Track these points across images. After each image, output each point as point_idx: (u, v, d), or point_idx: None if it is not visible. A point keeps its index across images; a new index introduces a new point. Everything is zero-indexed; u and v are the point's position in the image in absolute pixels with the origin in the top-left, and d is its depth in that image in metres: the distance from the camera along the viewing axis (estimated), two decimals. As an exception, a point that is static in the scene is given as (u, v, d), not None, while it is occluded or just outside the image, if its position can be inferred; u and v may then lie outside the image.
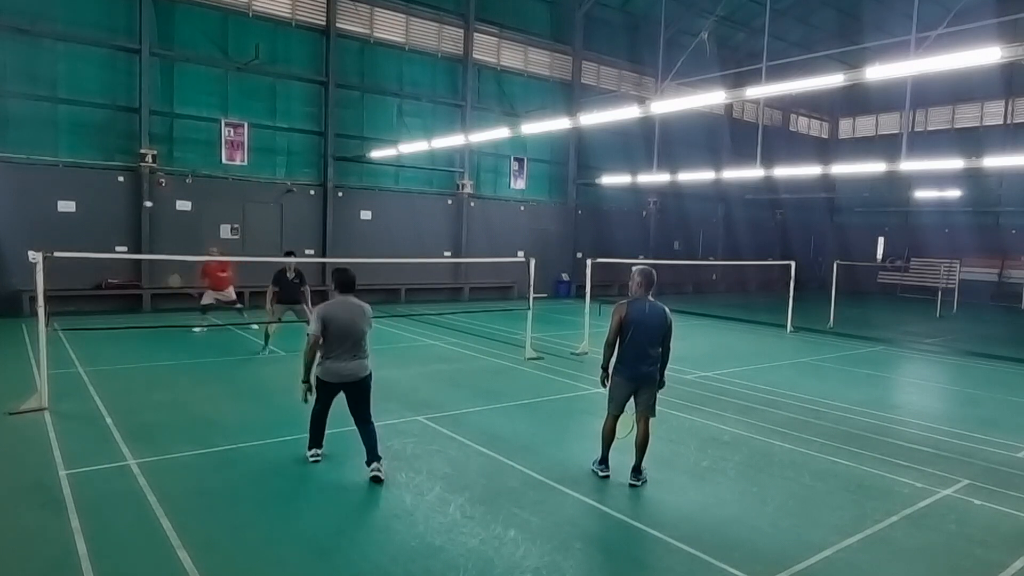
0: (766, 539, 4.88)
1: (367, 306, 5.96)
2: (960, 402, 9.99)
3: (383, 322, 15.62)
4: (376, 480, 5.64)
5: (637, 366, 5.73)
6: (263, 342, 11.45)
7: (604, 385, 5.94)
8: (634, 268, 5.94)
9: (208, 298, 13.34)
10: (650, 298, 5.81)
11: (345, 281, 5.95)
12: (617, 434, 5.92)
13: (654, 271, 5.89)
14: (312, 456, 6.09)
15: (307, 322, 11.30)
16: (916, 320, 20.17)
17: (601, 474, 6.01)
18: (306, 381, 5.76)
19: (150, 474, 5.65)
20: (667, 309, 5.82)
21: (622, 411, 5.92)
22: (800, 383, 10.40)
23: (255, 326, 12.82)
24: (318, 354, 5.74)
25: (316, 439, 6.13)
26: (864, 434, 7.66)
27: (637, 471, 5.84)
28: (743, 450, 6.96)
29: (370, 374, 5.91)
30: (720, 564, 4.45)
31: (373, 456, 5.78)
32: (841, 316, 17.88)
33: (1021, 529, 5.23)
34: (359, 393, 5.87)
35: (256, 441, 6.69)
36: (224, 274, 13.31)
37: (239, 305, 13.87)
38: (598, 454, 6.08)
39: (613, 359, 5.86)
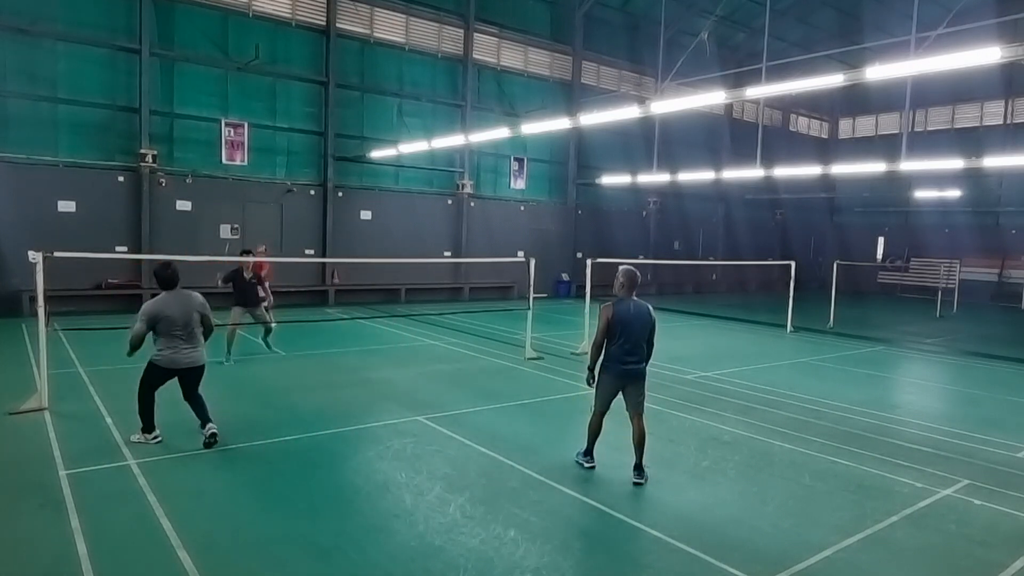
0: (766, 539, 4.88)
1: (198, 296, 6.47)
2: (960, 402, 9.99)
3: (383, 322, 15.63)
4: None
5: (624, 364, 5.88)
6: (226, 351, 10.52)
7: (590, 385, 6.08)
8: (619, 268, 6.07)
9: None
10: (634, 297, 5.96)
11: (166, 277, 6.36)
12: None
13: (637, 272, 6.04)
14: None
15: (267, 323, 11.05)
16: (916, 320, 20.17)
17: (586, 465, 6.20)
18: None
19: (150, 474, 5.65)
20: (650, 307, 6.00)
21: (608, 408, 6.06)
22: (800, 383, 10.40)
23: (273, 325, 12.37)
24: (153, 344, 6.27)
25: None
26: (864, 434, 7.66)
27: (639, 469, 5.89)
28: (743, 450, 6.96)
29: (203, 365, 6.51)
30: (720, 564, 4.45)
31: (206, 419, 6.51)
32: (841, 316, 17.87)
33: (1021, 529, 5.23)
34: (193, 379, 6.49)
35: (256, 441, 6.69)
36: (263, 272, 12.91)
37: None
38: (583, 446, 6.23)
39: (600, 358, 5.99)
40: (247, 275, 10.82)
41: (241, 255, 11.31)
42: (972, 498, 5.80)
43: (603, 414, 6.09)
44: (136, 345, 6.24)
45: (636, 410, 5.97)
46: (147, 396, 6.45)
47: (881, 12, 25.41)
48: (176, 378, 6.44)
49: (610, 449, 6.64)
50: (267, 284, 12.48)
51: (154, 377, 6.42)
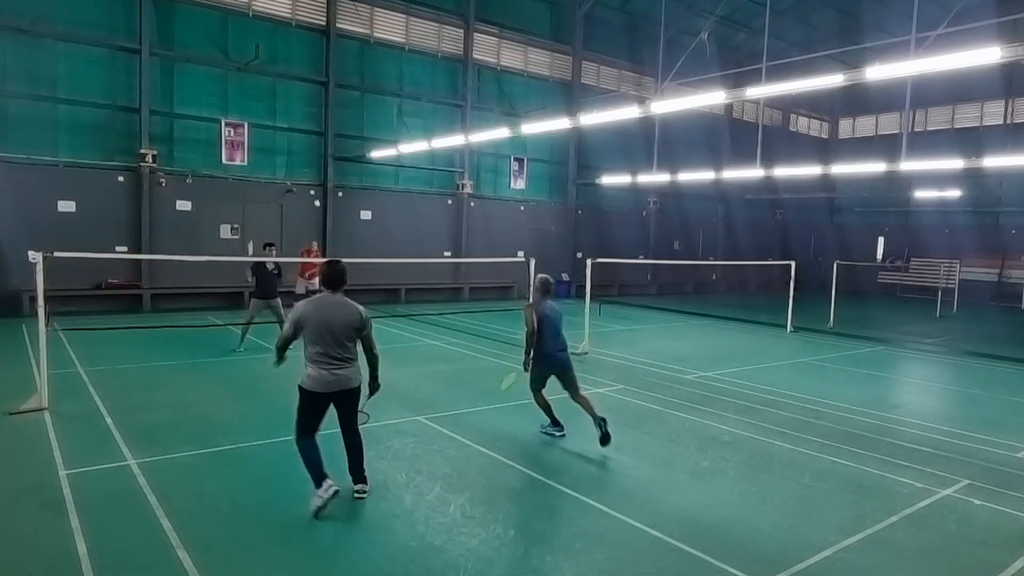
0: (766, 539, 4.88)
1: (358, 309, 5.22)
2: (960, 402, 9.99)
3: (383, 322, 15.62)
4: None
5: (554, 352, 6.98)
6: (240, 338, 11.42)
7: (526, 369, 7.05)
8: (537, 277, 7.39)
9: (300, 287, 14.71)
10: (548, 300, 7.18)
11: (330, 276, 5.23)
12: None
13: (551, 279, 7.35)
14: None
15: (283, 320, 11.44)
16: (916, 320, 20.17)
17: (556, 434, 7.09)
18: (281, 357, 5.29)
19: (150, 474, 5.65)
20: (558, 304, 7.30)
21: (543, 386, 7.07)
22: (800, 383, 10.40)
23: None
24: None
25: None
26: (864, 434, 7.66)
27: (599, 426, 6.71)
28: (743, 450, 6.96)
29: (357, 388, 5.27)
30: (720, 564, 4.45)
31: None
32: (841, 316, 17.87)
33: (1021, 529, 5.23)
34: (347, 405, 5.28)
35: (256, 441, 6.70)
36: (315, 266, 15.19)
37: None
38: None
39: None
40: (269, 266, 11.36)
41: (264, 248, 11.72)
42: (972, 498, 5.80)
43: (540, 391, 7.09)
44: (281, 349, 5.23)
45: (574, 389, 7.00)
46: (302, 437, 5.13)
47: (881, 12, 25.41)
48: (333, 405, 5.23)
49: (610, 450, 6.66)
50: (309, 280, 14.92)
51: (304, 406, 5.11)
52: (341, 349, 5.09)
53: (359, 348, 5.31)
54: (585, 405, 6.90)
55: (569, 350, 7.14)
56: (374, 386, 5.51)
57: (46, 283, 7.30)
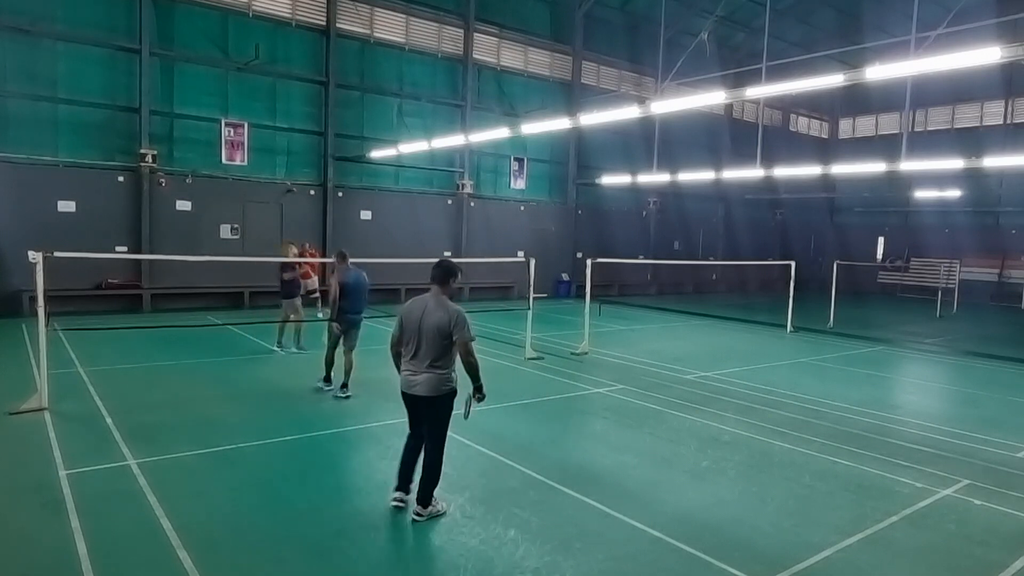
0: (766, 539, 4.89)
1: (454, 311, 4.85)
2: (960, 402, 9.99)
3: (382, 321, 15.61)
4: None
5: (353, 314, 8.53)
6: (278, 339, 11.63)
7: (336, 332, 8.55)
8: (337, 251, 8.91)
9: (302, 288, 15.06)
10: (352, 268, 8.64)
11: (435, 272, 5.02)
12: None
13: (345, 250, 8.85)
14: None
15: (287, 320, 11.55)
16: (916, 320, 20.17)
17: (326, 388, 8.65)
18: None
19: (150, 474, 5.65)
20: (365, 273, 8.76)
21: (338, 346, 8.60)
22: (800, 383, 10.40)
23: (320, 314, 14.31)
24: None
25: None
26: (864, 434, 7.66)
27: (345, 387, 8.38)
28: (743, 450, 6.96)
29: (433, 398, 4.91)
30: (720, 564, 4.45)
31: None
32: (841, 316, 17.88)
33: (1021, 529, 5.23)
34: (421, 413, 5.05)
35: (256, 441, 6.69)
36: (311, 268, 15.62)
37: (316, 295, 15.60)
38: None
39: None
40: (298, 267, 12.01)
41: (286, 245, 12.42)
42: (972, 498, 5.80)
43: (335, 349, 8.67)
44: (397, 356, 5.09)
45: (350, 348, 8.50)
46: (408, 433, 5.17)
47: (881, 12, 25.40)
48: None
49: (610, 450, 6.67)
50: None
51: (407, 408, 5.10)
52: (423, 353, 4.81)
53: (454, 356, 4.96)
54: (348, 367, 8.40)
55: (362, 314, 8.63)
56: (477, 395, 5.10)
57: (46, 283, 7.29)
